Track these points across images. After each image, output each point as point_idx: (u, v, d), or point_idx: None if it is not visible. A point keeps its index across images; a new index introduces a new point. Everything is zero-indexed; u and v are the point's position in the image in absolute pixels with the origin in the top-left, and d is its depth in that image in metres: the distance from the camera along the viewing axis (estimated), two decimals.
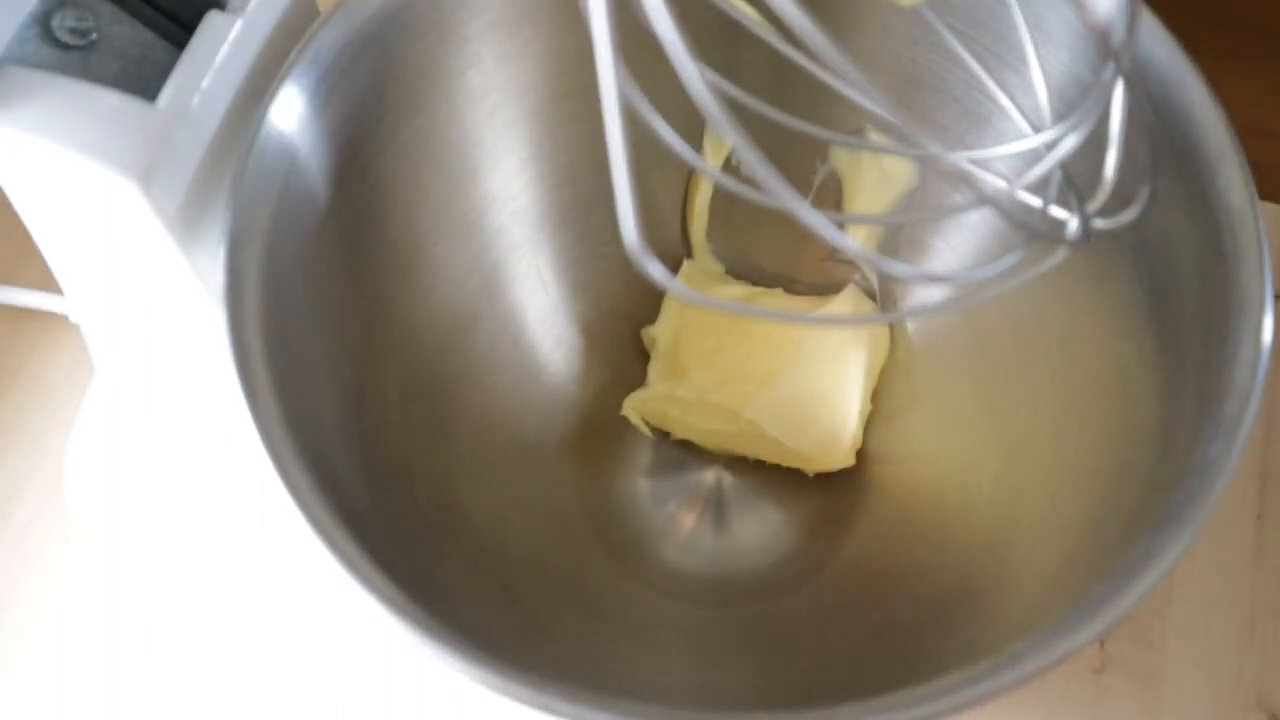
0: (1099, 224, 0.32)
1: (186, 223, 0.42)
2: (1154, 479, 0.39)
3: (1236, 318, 0.39)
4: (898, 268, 0.48)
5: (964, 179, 0.28)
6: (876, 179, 0.52)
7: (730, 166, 0.52)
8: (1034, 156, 0.32)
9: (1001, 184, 0.31)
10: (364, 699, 0.48)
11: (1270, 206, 0.46)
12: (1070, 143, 0.31)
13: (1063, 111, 0.44)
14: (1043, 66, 0.44)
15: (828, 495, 0.52)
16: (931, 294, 0.52)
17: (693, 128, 0.50)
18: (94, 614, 0.50)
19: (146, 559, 0.51)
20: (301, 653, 0.49)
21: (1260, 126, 0.50)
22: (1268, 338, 0.39)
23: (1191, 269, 0.42)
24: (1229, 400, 0.38)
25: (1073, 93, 0.44)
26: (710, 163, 0.51)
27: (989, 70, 0.44)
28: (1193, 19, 0.45)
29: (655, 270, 0.28)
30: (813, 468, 0.52)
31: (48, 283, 0.51)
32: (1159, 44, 0.42)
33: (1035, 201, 0.34)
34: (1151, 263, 0.43)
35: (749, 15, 0.35)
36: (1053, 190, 0.34)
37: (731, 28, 0.36)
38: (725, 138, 0.26)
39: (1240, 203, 0.40)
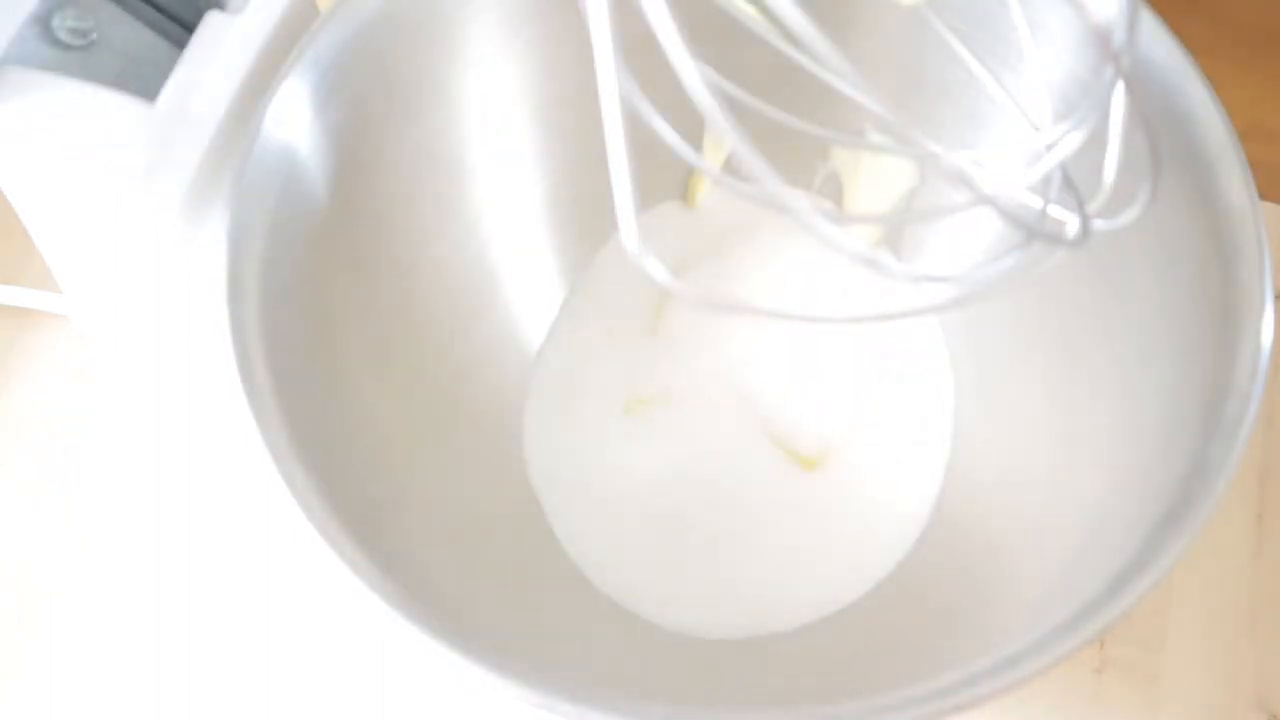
0: (1099, 225, 0.32)
1: (186, 223, 0.42)
2: (1154, 479, 0.39)
3: (1236, 318, 0.40)
4: (897, 268, 0.48)
5: (963, 179, 0.28)
6: (876, 179, 0.52)
7: (731, 166, 0.52)
8: (1034, 157, 0.32)
9: (1001, 184, 0.31)
10: (362, 700, 0.48)
11: (1270, 206, 0.46)
12: (1070, 143, 0.31)
13: (1063, 111, 0.44)
14: (1042, 66, 0.44)
15: None
16: (931, 293, 0.52)
17: (693, 128, 0.50)
18: (95, 614, 0.50)
19: (148, 559, 0.51)
20: (301, 654, 0.49)
21: (1260, 126, 0.50)
22: (1268, 338, 0.39)
23: (1191, 269, 0.42)
24: (1229, 400, 0.38)
25: (1073, 93, 0.44)
26: (710, 163, 0.51)
27: (989, 70, 0.44)
28: (1193, 19, 0.45)
29: (655, 270, 0.28)
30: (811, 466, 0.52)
31: (48, 283, 0.51)
32: (1159, 44, 0.42)
33: (1035, 202, 0.34)
34: (1151, 263, 0.43)
35: (749, 15, 0.35)
36: (1053, 191, 0.34)
37: (732, 28, 0.36)
38: (725, 138, 0.26)
39: (1240, 203, 0.40)
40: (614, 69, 0.26)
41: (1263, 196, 0.41)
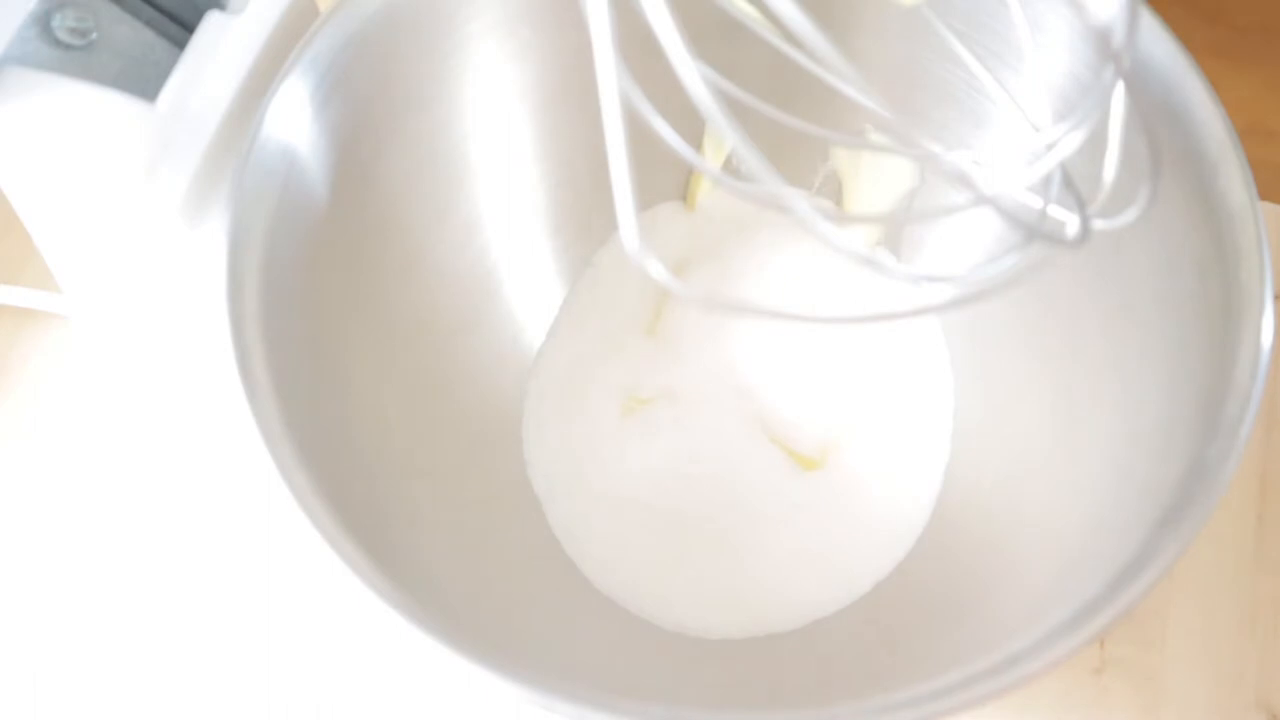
0: (1099, 224, 0.32)
1: (186, 223, 0.42)
2: (1154, 479, 0.39)
3: (1236, 318, 0.39)
4: (898, 268, 0.48)
5: (963, 179, 0.28)
6: (876, 179, 0.52)
7: (731, 166, 0.52)
8: (1034, 157, 0.32)
9: (1001, 184, 0.31)
10: (362, 700, 0.48)
11: (1270, 206, 0.46)
12: (1070, 143, 0.31)
13: (1063, 111, 0.44)
14: (1042, 66, 0.44)
15: None
16: (931, 293, 0.52)
17: (693, 127, 0.50)
18: (95, 614, 0.50)
19: (148, 559, 0.51)
20: (301, 653, 0.49)
21: (1260, 126, 0.50)
22: (1268, 338, 0.39)
23: (1191, 269, 0.42)
24: (1229, 400, 0.38)
25: (1073, 92, 0.44)
26: (710, 163, 0.51)
27: (989, 70, 0.44)
28: (1193, 19, 0.45)
29: (655, 270, 0.28)
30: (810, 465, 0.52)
31: (48, 283, 0.51)
32: (1159, 44, 0.42)
33: (1035, 202, 0.34)
34: (1151, 263, 0.43)
35: (749, 15, 0.35)
36: (1053, 191, 0.34)
37: (731, 28, 0.36)
38: (725, 138, 0.26)
39: (1240, 203, 0.40)
40: (614, 69, 0.26)
41: (1263, 196, 0.41)
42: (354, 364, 0.45)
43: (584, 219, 0.52)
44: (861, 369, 0.52)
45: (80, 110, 0.40)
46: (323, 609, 0.50)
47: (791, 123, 0.35)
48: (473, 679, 0.35)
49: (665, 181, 0.54)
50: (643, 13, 0.25)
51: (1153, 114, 0.41)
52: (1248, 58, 0.58)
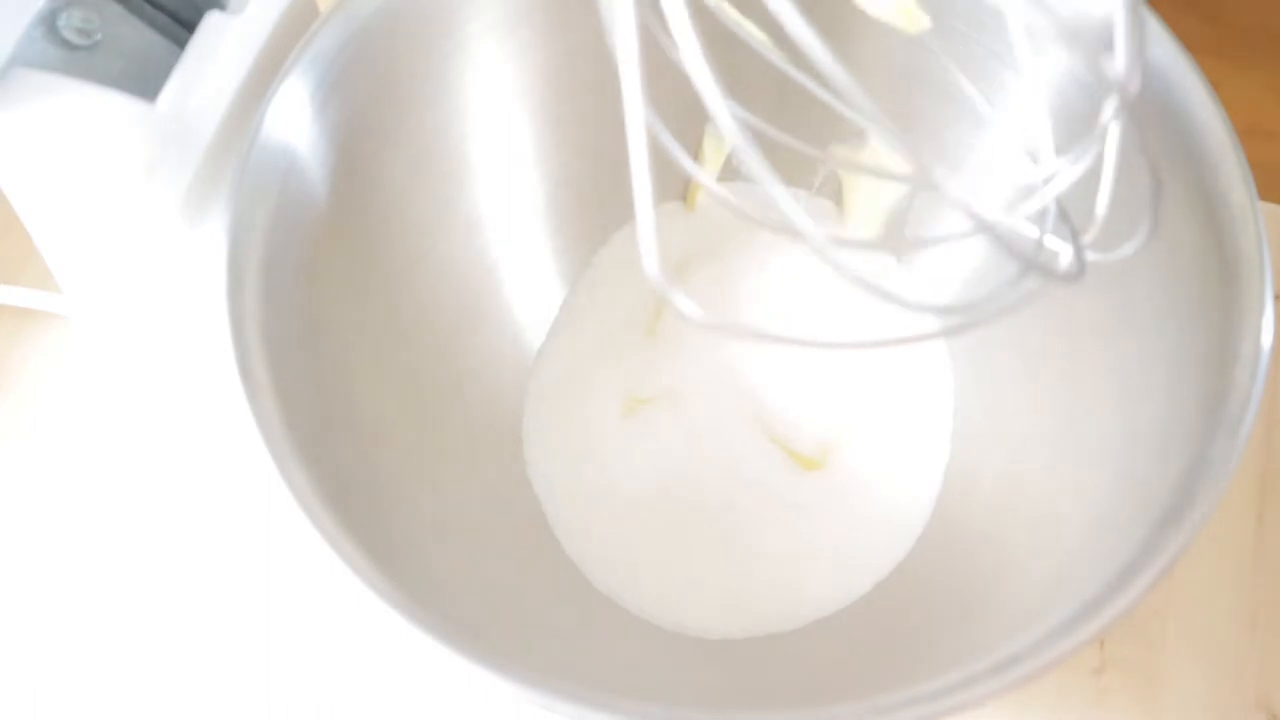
0: (1094, 257, 0.32)
1: (186, 222, 0.42)
2: (1154, 479, 0.40)
3: (1236, 318, 0.40)
4: (896, 295, 0.48)
5: (964, 207, 0.27)
6: (876, 182, 0.52)
7: (731, 167, 0.52)
8: (1031, 190, 0.32)
9: (1001, 214, 0.30)
10: (362, 700, 0.49)
11: (1270, 206, 0.46)
12: (1066, 178, 0.31)
13: (1063, 111, 0.44)
14: (1042, 67, 0.44)
15: None
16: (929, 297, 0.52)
17: (693, 128, 0.50)
18: (95, 614, 0.50)
19: (148, 559, 0.51)
20: (301, 653, 0.49)
21: (1260, 126, 0.50)
22: (1268, 338, 0.39)
23: (1191, 269, 0.42)
24: (1229, 400, 0.38)
25: (1073, 92, 0.44)
26: (709, 168, 0.51)
27: (989, 72, 0.44)
28: (1193, 19, 0.45)
29: (681, 302, 0.28)
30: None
31: (48, 283, 0.51)
32: (1159, 44, 0.42)
33: (1032, 231, 0.34)
34: (1151, 263, 0.43)
35: (754, 35, 0.35)
36: (1048, 222, 0.34)
37: (731, 35, 0.36)
38: (753, 175, 0.26)
39: (1240, 203, 0.41)
40: (640, 99, 0.26)
41: (1263, 196, 0.41)
42: (354, 363, 0.45)
43: (584, 219, 0.52)
44: (862, 369, 0.52)
45: (81, 110, 0.40)
46: (323, 609, 0.50)
47: (795, 145, 0.35)
48: (473, 679, 0.35)
49: (665, 181, 0.54)
50: (678, 60, 0.25)
51: (1152, 119, 0.41)
52: (1248, 58, 0.58)
